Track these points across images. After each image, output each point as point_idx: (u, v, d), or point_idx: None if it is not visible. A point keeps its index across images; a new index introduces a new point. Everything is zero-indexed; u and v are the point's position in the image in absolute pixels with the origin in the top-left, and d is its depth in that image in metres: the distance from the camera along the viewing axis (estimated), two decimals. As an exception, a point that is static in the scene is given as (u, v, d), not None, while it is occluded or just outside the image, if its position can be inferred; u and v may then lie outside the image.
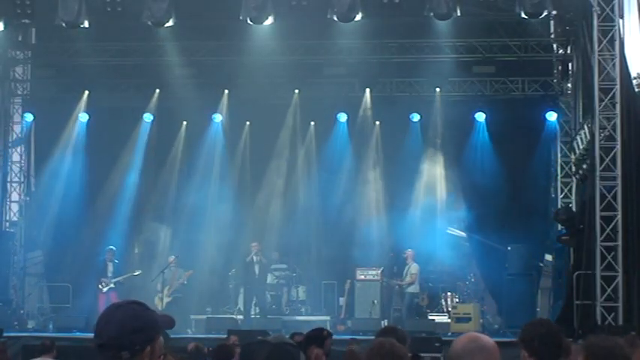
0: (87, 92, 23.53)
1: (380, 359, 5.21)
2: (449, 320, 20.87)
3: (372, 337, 6.56)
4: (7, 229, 23.92)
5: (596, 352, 4.52)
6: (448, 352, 4.43)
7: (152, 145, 23.71)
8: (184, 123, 23.90)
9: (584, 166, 19.64)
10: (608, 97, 17.96)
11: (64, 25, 19.78)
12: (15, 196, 24.29)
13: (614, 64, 18.01)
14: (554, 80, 23.24)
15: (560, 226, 20.86)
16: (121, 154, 23.32)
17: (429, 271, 22.42)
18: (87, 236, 22.50)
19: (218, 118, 23.79)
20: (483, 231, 21.96)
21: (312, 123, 23.82)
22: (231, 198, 23.47)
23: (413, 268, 21.34)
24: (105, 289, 21.46)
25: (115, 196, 22.98)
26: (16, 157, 24.42)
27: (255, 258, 21.61)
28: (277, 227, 23.11)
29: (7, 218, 24.13)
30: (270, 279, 22.26)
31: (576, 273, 18.15)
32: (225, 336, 15.32)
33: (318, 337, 8.82)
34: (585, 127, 19.40)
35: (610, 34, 18.03)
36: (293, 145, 23.76)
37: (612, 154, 17.86)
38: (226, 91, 23.53)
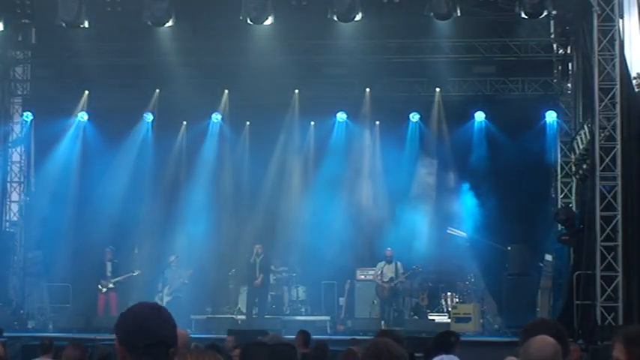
0: (87, 92, 23.54)
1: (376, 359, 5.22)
2: (449, 320, 20.87)
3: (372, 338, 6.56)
4: (7, 229, 23.92)
5: (635, 337, 4.54)
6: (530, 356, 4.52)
7: (152, 145, 23.72)
8: (184, 123, 23.92)
9: (584, 166, 19.64)
10: (608, 97, 17.96)
11: (64, 25, 19.79)
12: (15, 196, 24.28)
13: (614, 64, 18.00)
14: (554, 80, 23.24)
15: (560, 226, 20.85)
16: (120, 154, 23.31)
17: (428, 271, 22.42)
18: (87, 236, 22.48)
19: (218, 118, 23.80)
20: (483, 231, 21.96)
21: (312, 123, 23.83)
22: (231, 197, 23.48)
23: (401, 266, 21.30)
24: (104, 290, 21.46)
25: (115, 196, 22.96)
26: (16, 157, 24.41)
27: (257, 259, 21.58)
28: (277, 227, 23.11)
29: (7, 218, 24.12)
30: (270, 279, 22.26)
31: (576, 273, 18.15)
32: (226, 336, 15.33)
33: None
34: (585, 127, 19.41)
35: (610, 34, 18.03)
36: (293, 144, 23.76)
37: (612, 154, 17.86)
38: (226, 91, 23.54)
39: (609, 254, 17.54)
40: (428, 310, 22.01)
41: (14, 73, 24.50)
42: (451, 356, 7.63)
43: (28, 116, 23.89)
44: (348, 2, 19.00)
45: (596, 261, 17.55)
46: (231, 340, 14.03)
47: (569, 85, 22.70)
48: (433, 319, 21.25)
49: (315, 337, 15.38)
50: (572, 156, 21.53)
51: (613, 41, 18.04)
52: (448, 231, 22.75)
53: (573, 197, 21.93)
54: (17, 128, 24.33)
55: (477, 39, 22.38)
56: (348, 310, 21.92)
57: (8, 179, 24.11)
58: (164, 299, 21.24)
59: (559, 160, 22.56)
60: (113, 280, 21.47)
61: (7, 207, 24.14)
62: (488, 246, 21.82)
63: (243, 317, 21.49)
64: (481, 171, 22.19)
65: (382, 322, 20.55)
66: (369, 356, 5.22)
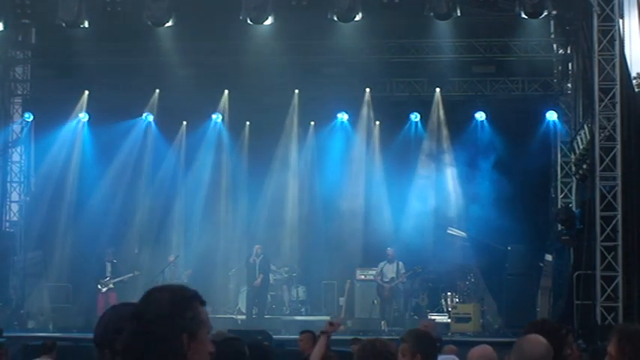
0: (87, 92, 23.55)
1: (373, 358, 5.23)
2: (449, 320, 20.88)
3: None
4: (7, 229, 23.92)
5: (627, 333, 4.63)
6: None
7: (152, 145, 23.71)
8: (184, 123, 23.92)
9: (584, 166, 19.63)
10: (608, 97, 17.95)
11: (64, 25, 19.79)
12: (15, 196, 24.28)
13: (614, 64, 18.00)
14: (554, 80, 23.25)
15: (560, 226, 20.85)
16: (120, 154, 23.31)
17: (429, 271, 22.42)
18: (87, 236, 22.48)
19: (218, 118, 23.80)
20: (483, 231, 21.95)
21: (312, 123, 23.84)
22: (231, 198, 23.48)
23: (402, 266, 21.32)
24: (104, 290, 21.46)
25: (115, 196, 22.97)
26: (16, 157, 24.41)
27: (257, 260, 21.59)
28: (277, 227, 23.11)
29: (7, 218, 24.11)
30: (270, 279, 22.26)
31: (576, 273, 18.14)
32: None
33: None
34: (585, 127, 19.40)
35: (610, 34, 18.02)
36: (293, 145, 23.77)
37: (612, 154, 17.86)
38: (226, 91, 23.54)
39: (609, 254, 17.54)
40: (428, 310, 21.99)
41: (14, 73, 24.49)
42: (452, 356, 7.67)
43: (29, 116, 23.89)
44: (348, 2, 19.00)
45: (596, 261, 17.55)
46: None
47: (569, 85, 22.69)
48: (433, 319, 21.23)
49: (315, 337, 15.39)
50: (572, 156, 21.51)
51: (613, 41, 18.03)
52: (448, 231, 22.75)
53: (573, 197, 21.93)
54: (17, 128, 24.32)
55: (477, 39, 22.39)
56: (348, 310, 21.91)
57: (8, 179, 24.10)
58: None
59: (559, 160, 22.56)
60: (113, 281, 21.47)
61: (7, 207, 24.13)
62: (488, 246, 21.82)
63: (243, 317, 21.50)
64: (481, 171, 22.19)
65: (382, 322, 20.56)
66: (364, 356, 5.22)
